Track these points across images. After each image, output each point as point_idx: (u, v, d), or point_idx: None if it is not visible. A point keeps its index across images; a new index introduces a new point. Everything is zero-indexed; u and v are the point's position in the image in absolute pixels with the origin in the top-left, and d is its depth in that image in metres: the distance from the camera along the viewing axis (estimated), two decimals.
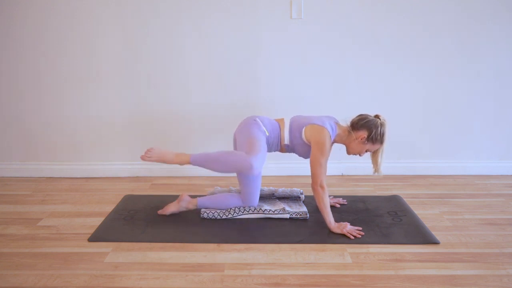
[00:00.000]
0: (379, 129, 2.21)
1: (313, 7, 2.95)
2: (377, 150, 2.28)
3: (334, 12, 2.95)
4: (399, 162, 3.17)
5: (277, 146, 2.39)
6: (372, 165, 2.33)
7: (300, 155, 2.40)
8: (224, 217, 2.34)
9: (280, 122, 2.40)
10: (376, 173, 2.32)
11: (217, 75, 3.04)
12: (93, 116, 3.10)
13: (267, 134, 2.31)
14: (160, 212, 2.41)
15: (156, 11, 2.95)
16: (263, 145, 2.23)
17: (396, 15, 2.96)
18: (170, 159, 2.23)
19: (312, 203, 2.56)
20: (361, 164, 3.05)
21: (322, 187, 2.19)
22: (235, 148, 2.44)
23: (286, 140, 2.36)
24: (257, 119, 2.35)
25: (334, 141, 2.32)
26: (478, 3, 2.94)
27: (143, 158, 2.24)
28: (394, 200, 2.63)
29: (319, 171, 2.19)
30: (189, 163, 2.22)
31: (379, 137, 2.22)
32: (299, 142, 2.31)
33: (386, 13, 2.96)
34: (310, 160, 2.24)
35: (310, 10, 2.95)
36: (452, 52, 3.02)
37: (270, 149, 2.38)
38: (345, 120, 2.34)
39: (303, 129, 2.29)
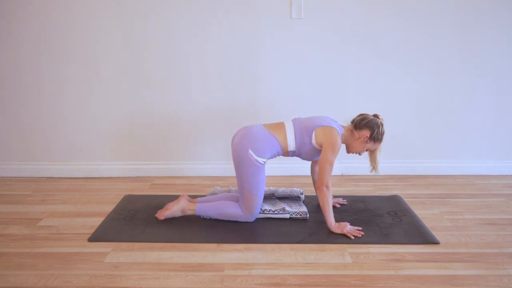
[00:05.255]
0: (380, 128, 2.25)
1: (313, 7, 2.95)
2: (375, 150, 2.32)
3: (334, 12, 2.95)
4: (399, 162, 3.17)
5: (279, 154, 2.32)
6: (370, 165, 2.36)
7: (304, 159, 2.36)
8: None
9: (281, 129, 2.28)
10: (374, 172, 2.36)
11: (216, 75, 3.04)
12: (93, 116, 3.10)
13: (265, 161, 2.23)
14: (157, 215, 2.36)
15: (156, 12, 2.95)
16: (258, 194, 2.24)
17: (396, 15, 2.96)
18: (180, 213, 2.36)
19: (312, 203, 2.56)
20: (361, 164, 3.05)
21: (327, 187, 2.19)
22: (232, 155, 2.33)
23: (292, 147, 2.28)
24: (250, 150, 2.18)
25: None
26: (478, 3, 2.94)
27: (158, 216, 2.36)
28: (394, 200, 2.63)
29: (329, 170, 2.19)
30: (194, 214, 2.35)
31: (380, 136, 2.26)
32: (309, 148, 2.27)
33: (386, 13, 2.96)
34: (320, 160, 2.21)
35: (310, 10, 2.95)
36: (452, 52, 3.02)
37: (270, 159, 2.32)
38: (345, 120, 2.35)
39: (313, 134, 2.24)
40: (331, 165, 2.19)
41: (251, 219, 2.30)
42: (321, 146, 2.24)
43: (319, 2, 2.94)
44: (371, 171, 2.36)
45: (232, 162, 3.07)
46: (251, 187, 2.22)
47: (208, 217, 2.34)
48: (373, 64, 3.03)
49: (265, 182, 2.29)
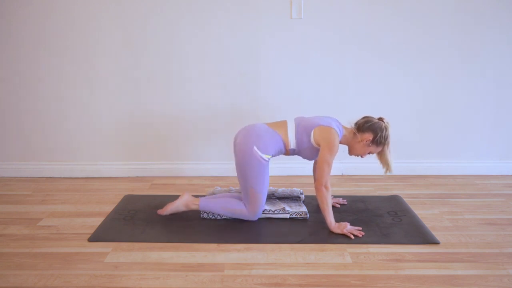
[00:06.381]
0: (383, 132, 2.22)
1: (313, 7, 2.95)
2: (384, 152, 2.28)
3: (334, 12, 2.95)
4: (399, 162, 3.16)
5: (281, 152, 2.34)
6: (382, 167, 2.32)
7: (304, 158, 2.37)
8: (224, 217, 2.34)
9: (282, 126, 2.31)
10: (388, 173, 2.32)
11: (216, 75, 3.04)
12: (93, 116, 3.10)
13: (269, 157, 2.26)
14: (159, 212, 2.40)
15: (156, 12, 2.95)
16: (263, 192, 2.25)
17: (396, 15, 2.96)
18: (183, 208, 2.36)
19: (312, 203, 2.56)
20: (361, 164, 3.05)
21: (326, 187, 2.19)
22: (236, 154, 2.38)
23: (292, 145, 2.30)
24: (255, 147, 2.20)
25: (339, 142, 2.32)
26: (478, 3, 2.94)
27: (160, 213, 2.38)
28: (394, 200, 2.63)
29: (327, 171, 2.19)
30: (198, 208, 2.35)
31: (383, 140, 2.23)
32: (308, 146, 2.28)
33: (386, 13, 2.96)
34: (318, 159, 2.22)
35: (310, 10, 2.95)
36: (452, 52, 3.02)
37: (273, 156, 2.34)
38: (349, 121, 2.34)
39: (312, 132, 2.25)
40: (329, 165, 2.19)
41: (255, 218, 2.31)
42: (319, 145, 2.24)
43: (319, 2, 2.94)
44: (385, 173, 2.33)
45: (232, 161, 3.08)
46: (256, 186, 2.22)
47: (210, 213, 2.34)
48: (373, 64, 3.03)
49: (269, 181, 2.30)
